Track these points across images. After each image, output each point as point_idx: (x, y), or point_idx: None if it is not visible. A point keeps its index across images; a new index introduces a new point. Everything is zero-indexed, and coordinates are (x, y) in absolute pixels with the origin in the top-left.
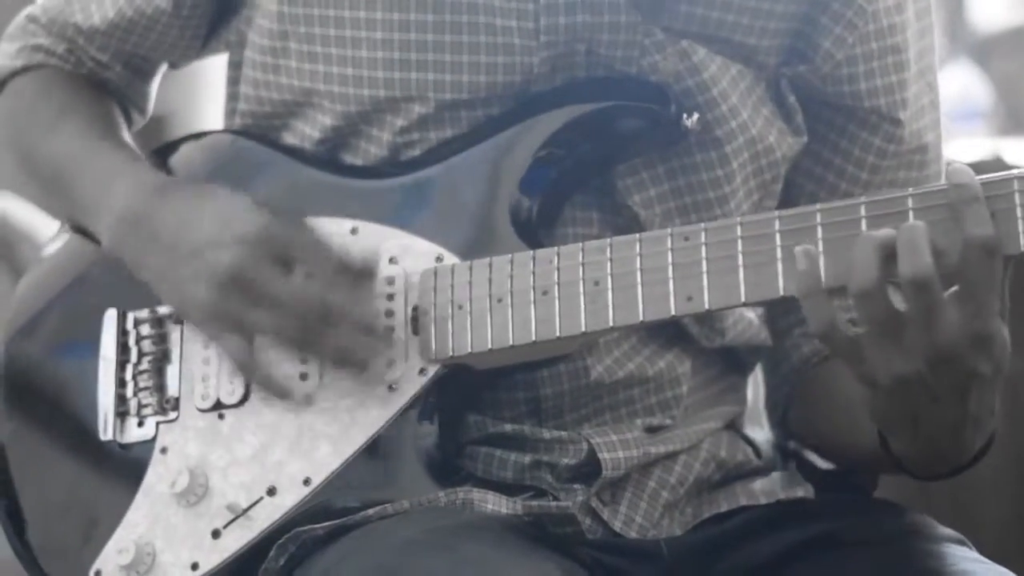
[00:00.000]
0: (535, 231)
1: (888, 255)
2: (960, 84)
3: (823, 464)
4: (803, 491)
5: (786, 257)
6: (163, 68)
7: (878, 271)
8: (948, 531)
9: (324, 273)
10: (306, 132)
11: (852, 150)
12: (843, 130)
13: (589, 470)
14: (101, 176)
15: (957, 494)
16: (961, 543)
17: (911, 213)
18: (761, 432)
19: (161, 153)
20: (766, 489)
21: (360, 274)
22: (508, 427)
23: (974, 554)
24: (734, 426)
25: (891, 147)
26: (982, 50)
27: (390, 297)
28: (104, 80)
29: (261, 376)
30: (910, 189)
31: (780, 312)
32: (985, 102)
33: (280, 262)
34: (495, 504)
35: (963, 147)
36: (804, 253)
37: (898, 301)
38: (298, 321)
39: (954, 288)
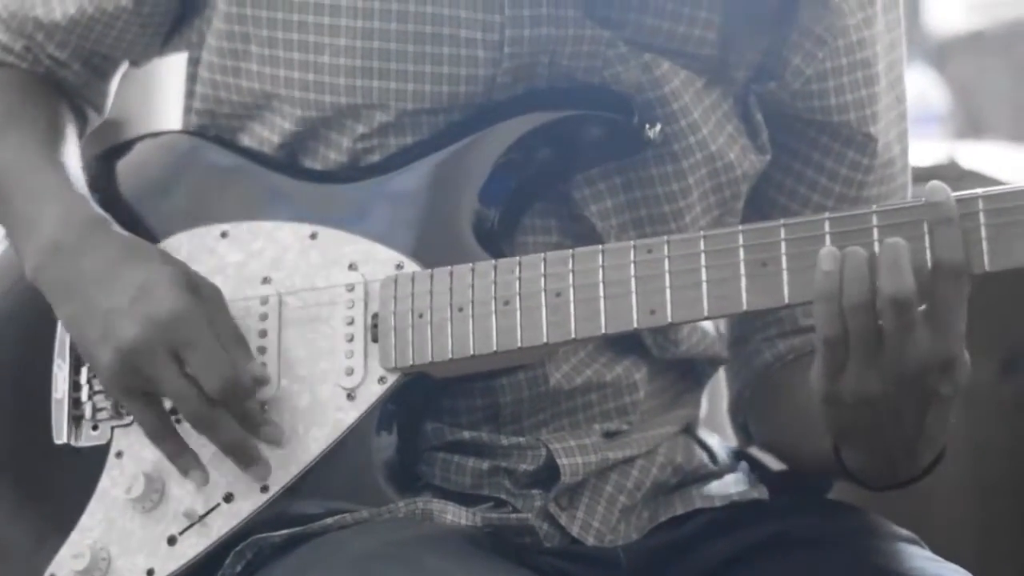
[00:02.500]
0: (496, 239)
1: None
2: (917, 88)
3: (777, 466)
4: (757, 493)
5: (749, 272)
6: (123, 67)
7: (870, 284)
8: (902, 531)
9: (210, 386)
10: (264, 136)
11: (825, 162)
12: (815, 142)
13: (547, 476)
14: (33, 197)
15: (911, 495)
16: (914, 543)
17: (875, 231)
18: (715, 437)
19: (117, 152)
20: (721, 491)
21: (247, 393)
22: (466, 434)
23: (928, 553)
24: (690, 430)
25: (865, 161)
26: (939, 54)
27: (350, 304)
28: (61, 79)
29: (165, 446)
30: (874, 206)
31: (739, 319)
32: (942, 106)
33: (176, 356)
34: (454, 515)
35: (919, 151)
36: (829, 255)
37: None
38: (183, 412)
39: (923, 309)
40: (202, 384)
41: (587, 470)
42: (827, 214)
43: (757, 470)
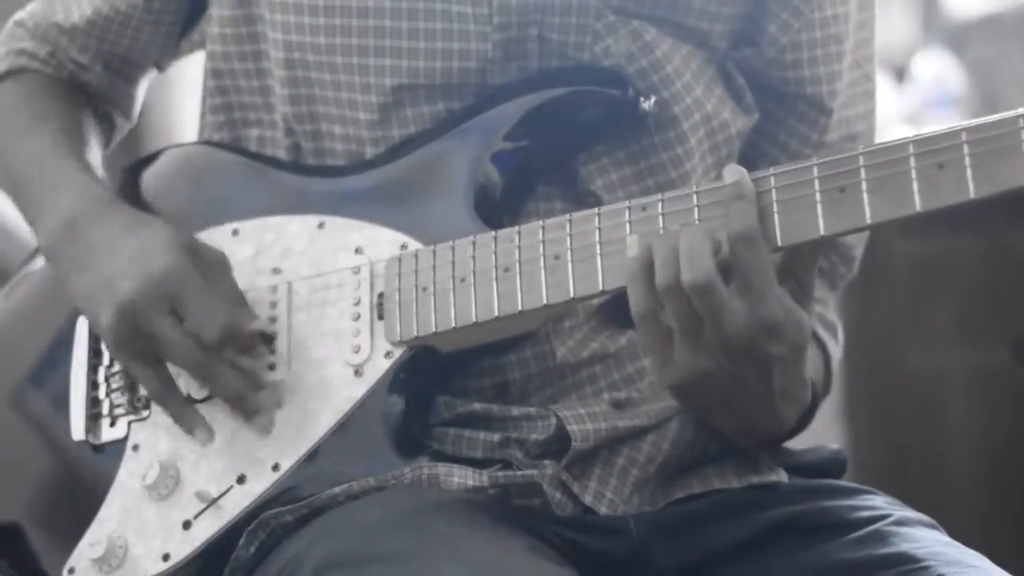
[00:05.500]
0: (499, 219)
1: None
2: (934, 71)
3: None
4: (775, 476)
5: None
6: (151, 72)
7: (676, 269)
8: (919, 515)
9: (202, 333)
10: (275, 120)
11: (789, 143)
12: (782, 123)
13: (558, 447)
14: (50, 182)
15: (930, 479)
16: (932, 527)
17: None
18: None
19: (143, 163)
20: (739, 473)
21: (246, 341)
22: (477, 406)
23: (945, 537)
24: None
25: (815, 137)
26: (957, 37)
27: (356, 286)
28: (85, 82)
29: (167, 405)
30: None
31: None
32: (960, 89)
33: (172, 307)
34: (461, 477)
35: None
36: (635, 242)
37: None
38: (181, 363)
39: (734, 281)
40: (200, 333)
41: (597, 436)
42: (814, 160)
43: (774, 452)
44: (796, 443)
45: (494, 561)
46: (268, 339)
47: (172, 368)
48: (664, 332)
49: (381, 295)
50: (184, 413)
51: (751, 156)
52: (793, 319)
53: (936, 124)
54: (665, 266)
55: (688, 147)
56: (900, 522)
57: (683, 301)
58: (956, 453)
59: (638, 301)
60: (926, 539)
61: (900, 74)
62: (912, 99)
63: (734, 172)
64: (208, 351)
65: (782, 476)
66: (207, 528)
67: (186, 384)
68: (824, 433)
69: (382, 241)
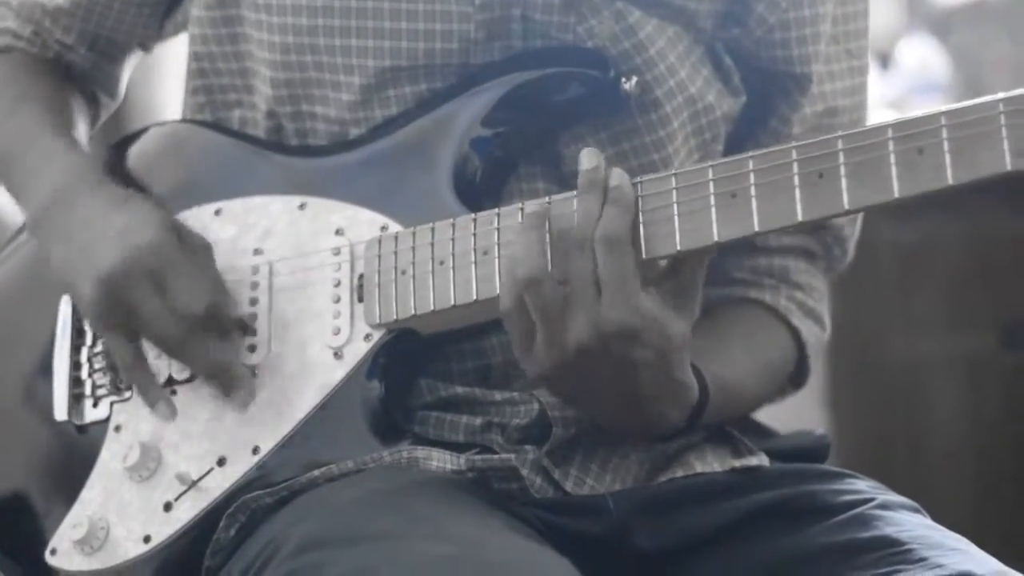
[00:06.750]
0: (480, 201)
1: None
2: (919, 57)
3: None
4: (757, 460)
5: (719, 204)
6: (135, 53)
7: (544, 260)
8: (903, 499)
9: (186, 309)
10: (256, 102)
11: (780, 128)
12: (771, 104)
13: (540, 432)
14: (38, 157)
15: (914, 465)
16: (916, 511)
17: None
18: None
19: (127, 142)
20: (720, 457)
21: (227, 324)
22: (459, 389)
23: (929, 521)
24: None
25: (795, 115)
26: (941, 23)
27: (336, 267)
28: (69, 63)
29: (137, 379)
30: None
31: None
32: (944, 75)
33: (156, 281)
34: (439, 461)
35: None
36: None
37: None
38: (159, 338)
39: (594, 280)
40: (183, 308)
41: (579, 423)
42: (793, 143)
43: (757, 436)
44: (780, 428)
45: (474, 539)
46: (247, 329)
47: (153, 349)
48: (527, 326)
49: (361, 277)
50: (149, 388)
51: (740, 138)
52: (656, 327)
53: (920, 110)
54: (524, 260)
55: (670, 130)
56: (883, 506)
57: (538, 296)
58: (940, 439)
59: (504, 294)
60: (909, 522)
61: (884, 60)
62: (896, 85)
63: (617, 176)
64: (187, 328)
65: (764, 460)
66: (188, 510)
67: (167, 365)
68: (809, 420)
69: (363, 222)
